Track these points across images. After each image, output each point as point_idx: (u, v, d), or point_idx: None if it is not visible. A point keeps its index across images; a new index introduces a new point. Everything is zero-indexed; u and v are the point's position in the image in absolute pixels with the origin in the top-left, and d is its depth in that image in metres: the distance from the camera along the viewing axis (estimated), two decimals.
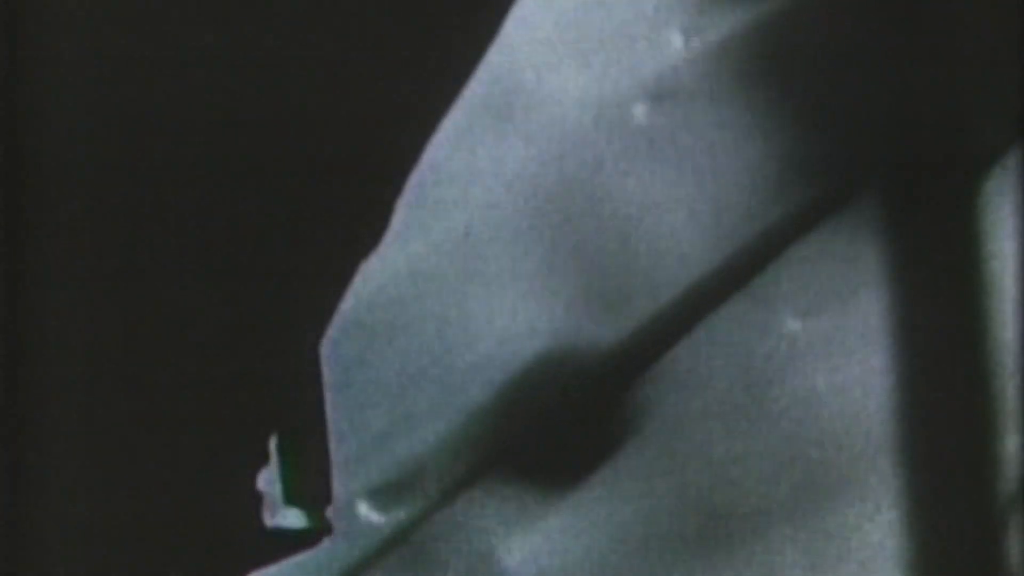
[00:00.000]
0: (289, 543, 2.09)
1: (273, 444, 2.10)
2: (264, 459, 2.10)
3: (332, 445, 2.09)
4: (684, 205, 2.14)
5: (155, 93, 2.12)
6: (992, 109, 2.07)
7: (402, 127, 2.13)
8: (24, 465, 2.06)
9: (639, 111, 2.16)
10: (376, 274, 2.11)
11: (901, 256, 2.06)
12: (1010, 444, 2.01)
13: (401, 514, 2.07)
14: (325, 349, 2.11)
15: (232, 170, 2.12)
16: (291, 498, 2.09)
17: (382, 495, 2.08)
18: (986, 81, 2.07)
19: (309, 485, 2.09)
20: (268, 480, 2.11)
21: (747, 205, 2.12)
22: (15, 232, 2.09)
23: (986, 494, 2.02)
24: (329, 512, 2.09)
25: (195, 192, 2.11)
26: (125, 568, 2.07)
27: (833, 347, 2.05)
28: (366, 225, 2.13)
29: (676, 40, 2.17)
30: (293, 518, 2.10)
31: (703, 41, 2.15)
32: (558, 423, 2.06)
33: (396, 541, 2.07)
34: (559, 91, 2.17)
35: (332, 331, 2.11)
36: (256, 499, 2.10)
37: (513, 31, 2.17)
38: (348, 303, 2.12)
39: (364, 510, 2.07)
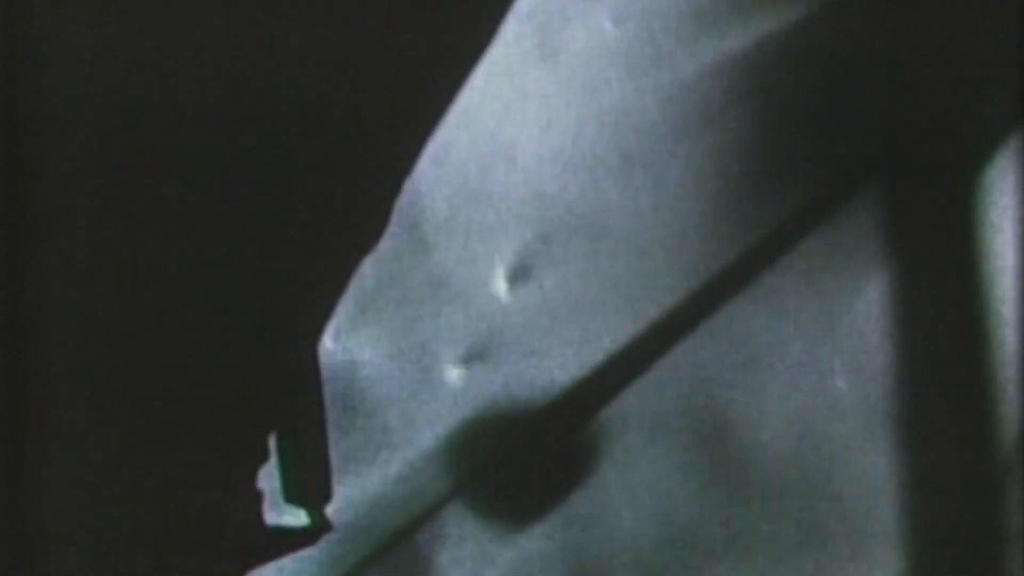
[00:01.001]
0: (289, 542, 2.09)
1: (273, 443, 2.10)
2: (264, 458, 2.10)
3: (333, 444, 2.09)
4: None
5: (154, 94, 2.12)
6: (992, 108, 2.07)
7: (402, 129, 2.13)
8: (24, 465, 2.06)
9: (453, 375, 2.04)
10: (376, 274, 2.12)
11: (901, 255, 2.06)
12: (1010, 439, 2.01)
13: (396, 517, 2.07)
14: (325, 349, 2.11)
15: (232, 170, 2.12)
16: (291, 497, 2.09)
17: (382, 497, 2.08)
18: (986, 80, 2.07)
19: (309, 484, 2.09)
20: (268, 479, 2.11)
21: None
22: (15, 232, 2.09)
23: (986, 488, 2.02)
24: (329, 511, 2.09)
25: (195, 193, 2.12)
26: (125, 568, 2.07)
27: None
28: (366, 225, 2.13)
29: (500, 288, 2.01)
30: (293, 517, 2.10)
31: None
32: (542, 441, 2.06)
33: (390, 544, 2.07)
34: (360, 351, 2.05)
35: (332, 331, 2.12)
36: (256, 498, 2.10)
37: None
38: (348, 303, 2.12)
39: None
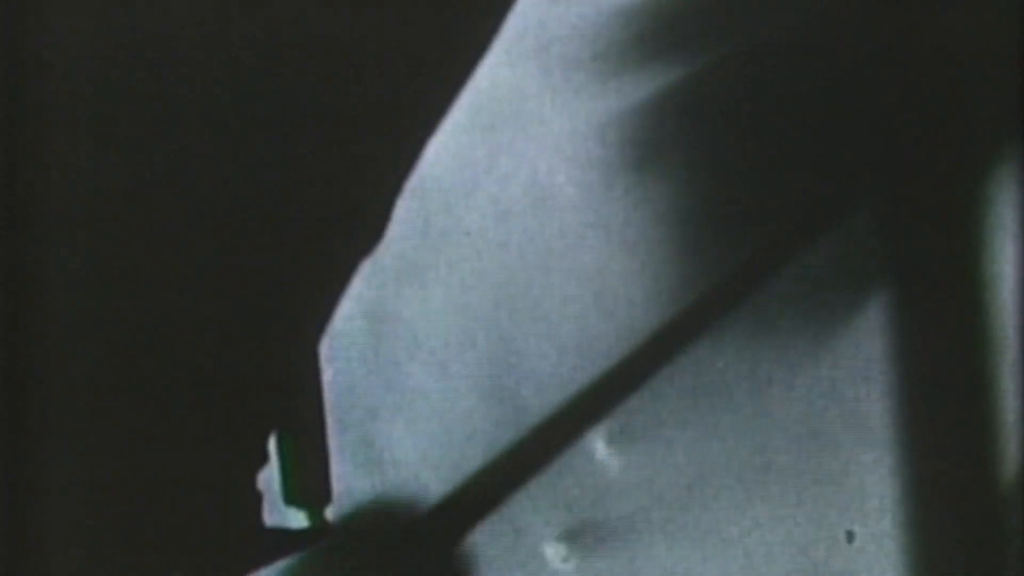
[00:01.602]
0: (289, 543, 2.09)
1: (273, 444, 2.10)
2: (264, 459, 2.10)
3: (331, 442, 2.09)
4: None
5: (153, 93, 2.12)
6: (992, 109, 2.07)
7: (402, 128, 2.13)
8: (24, 465, 2.06)
9: (553, 554, 1.84)
10: (376, 273, 2.11)
11: (901, 256, 2.06)
12: (1010, 444, 2.02)
13: (395, 519, 2.07)
14: (325, 349, 2.11)
15: (232, 170, 2.12)
16: (291, 498, 2.10)
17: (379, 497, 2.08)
18: (986, 81, 2.07)
19: (309, 484, 2.09)
20: (268, 480, 2.11)
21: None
22: (15, 232, 2.09)
23: (986, 493, 2.02)
24: (328, 511, 2.09)
25: (195, 192, 2.12)
26: (125, 568, 2.07)
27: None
28: (366, 225, 2.13)
29: (601, 452, 1.79)
30: (293, 518, 2.10)
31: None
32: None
33: (395, 548, 2.08)
34: (452, 527, 1.86)
35: (332, 331, 2.12)
36: (256, 499, 2.10)
37: None
38: (347, 302, 2.12)
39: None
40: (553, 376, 1.84)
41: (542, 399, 1.85)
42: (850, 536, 1.80)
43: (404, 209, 2.11)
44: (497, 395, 1.88)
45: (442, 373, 1.90)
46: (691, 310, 2.04)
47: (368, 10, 2.13)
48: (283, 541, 2.10)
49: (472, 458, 1.90)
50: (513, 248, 1.99)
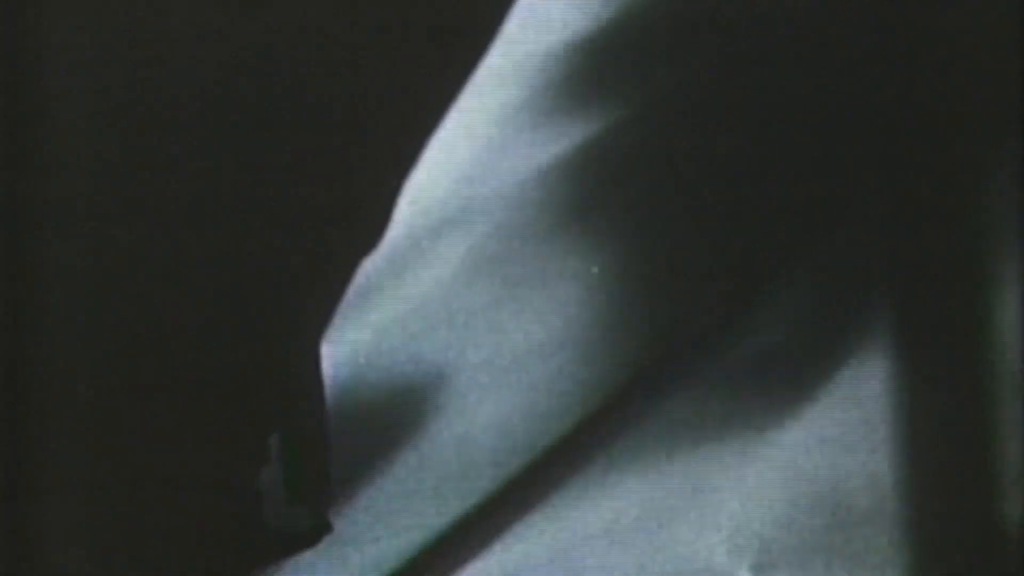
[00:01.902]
0: (290, 544, 2.09)
1: (274, 444, 2.10)
2: (264, 459, 2.10)
3: (333, 447, 2.09)
4: None
5: (153, 91, 2.12)
6: (992, 109, 2.07)
7: (403, 125, 2.13)
8: (24, 465, 2.06)
9: None
10: (377, 272, 2.11)
11: (901, 256, 2.06)
12: (1012, 451, 2.02)
13: (403, 525, 2.07)
14: (326, 348, 2.11)
15: (231, 168, 2.12)
16: (292, 498, 2.09)
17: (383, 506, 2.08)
18: (986, 81, 2.07)
19: (310, 485, 2.09)
20: (269, 480, 2.10)
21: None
22: (15, 232, 2.08)
23: (986, 493, 2.02)
24: (330, 512, 2.09)
25: (194, 190, 2.11)
26: (125, 568, 2.07)
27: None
28: (366, 224, 2.13)
29: None
30: (294, 518, 2.10)
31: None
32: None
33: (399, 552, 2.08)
34: None
35: (333, 330, 2.11)
36: (256, 499, 2.09)
37: None
38: (349, 302, 2.12)
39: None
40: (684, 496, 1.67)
41: (670, 522, 1.65)
42: None
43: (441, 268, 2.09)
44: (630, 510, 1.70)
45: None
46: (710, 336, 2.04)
47: (369, 10, 2.12)
48: (283, 541, 2.09)
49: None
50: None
